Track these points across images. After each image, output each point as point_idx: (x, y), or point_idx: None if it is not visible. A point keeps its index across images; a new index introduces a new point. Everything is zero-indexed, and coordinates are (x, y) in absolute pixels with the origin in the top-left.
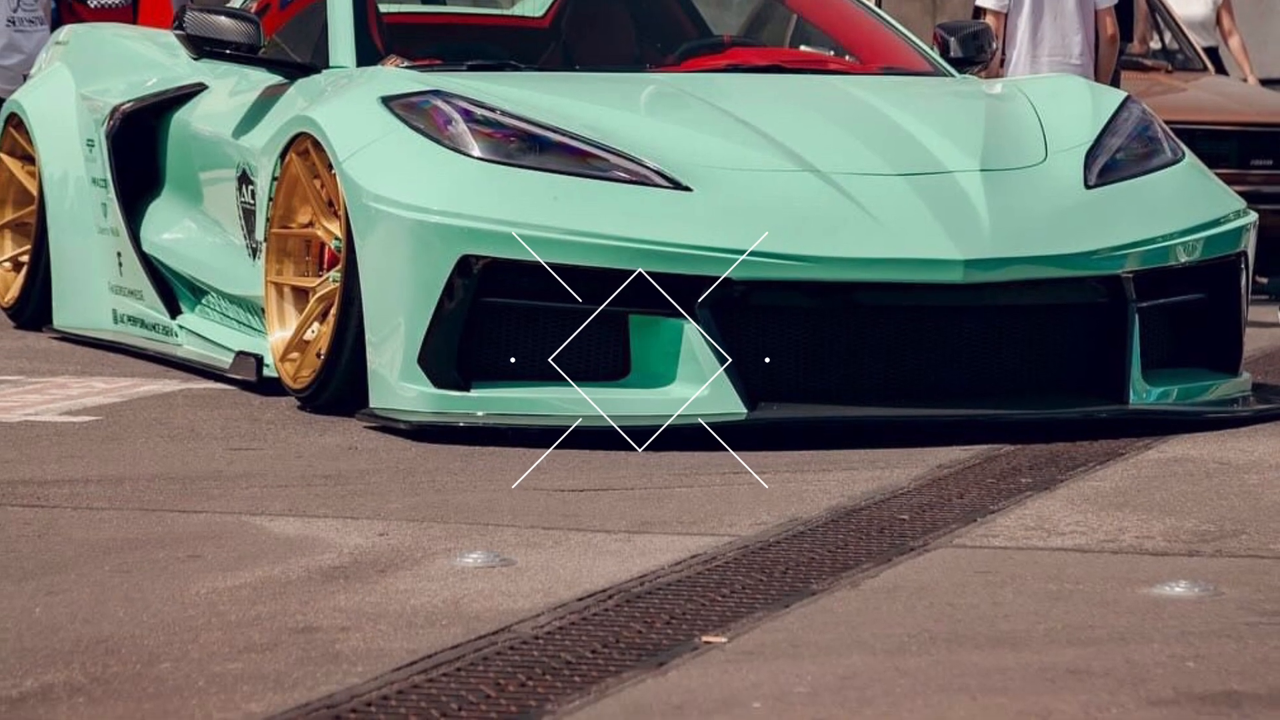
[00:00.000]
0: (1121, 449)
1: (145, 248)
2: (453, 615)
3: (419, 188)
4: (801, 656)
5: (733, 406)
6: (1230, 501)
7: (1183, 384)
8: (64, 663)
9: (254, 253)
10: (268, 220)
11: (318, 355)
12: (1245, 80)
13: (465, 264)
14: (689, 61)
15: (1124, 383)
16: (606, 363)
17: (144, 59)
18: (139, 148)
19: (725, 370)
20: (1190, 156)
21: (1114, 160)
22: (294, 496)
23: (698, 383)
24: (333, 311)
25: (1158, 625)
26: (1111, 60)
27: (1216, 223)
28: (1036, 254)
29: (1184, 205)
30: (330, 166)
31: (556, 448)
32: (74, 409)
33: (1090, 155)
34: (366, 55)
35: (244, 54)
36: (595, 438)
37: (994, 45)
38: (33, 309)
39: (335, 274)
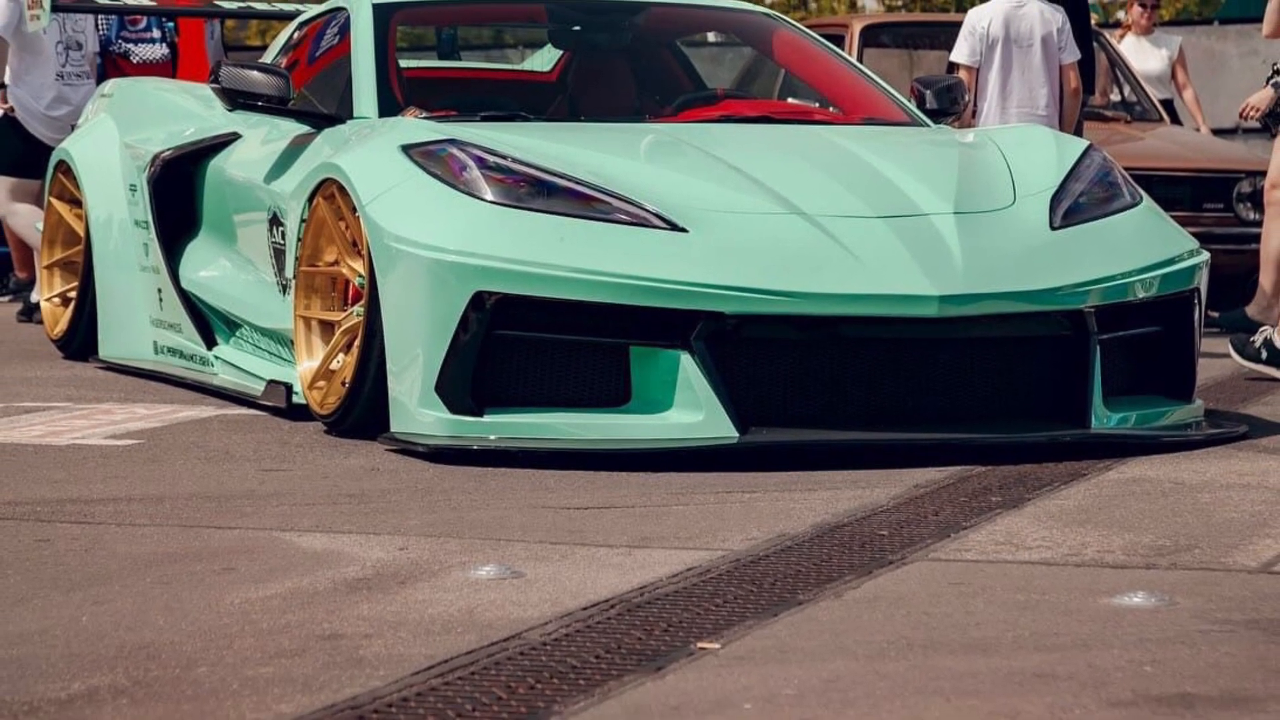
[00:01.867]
0: (1084, 470)
1: (183, 284)
2: (467, 623)
3: (436, 229)
4: (789, 661)
5: (725, 431)
6: (1184, 518)
7: (1141, 410)
8: (109, 667)
9: (284, 289)
10: (296, 259)
11: (343, 384)
12: (1199, 130)
13: (479, 299)
14: (685, 113)
15: (1086, 408)
16: (609, 391)
17: (182, 110)
18: (177, 192)
19: (719, 397)
20: (1147, 200)
21: (1077, 204)
22: (320, 514)
23: (693, 409)
24: (357, 343)
25: (1117, 633)
26: (1075, 111)
27: (1172, 261)
28: (1005, 290)
29: (1142, 245)
30: (354, 209)
31: (563, 469)
32: (118, 433)
33: (1055, 199)
34: (387, 107)
35: (275, 106)
36: (599, 459)
37: (966, 97)
38: (79, 341)
39: (359, 308)
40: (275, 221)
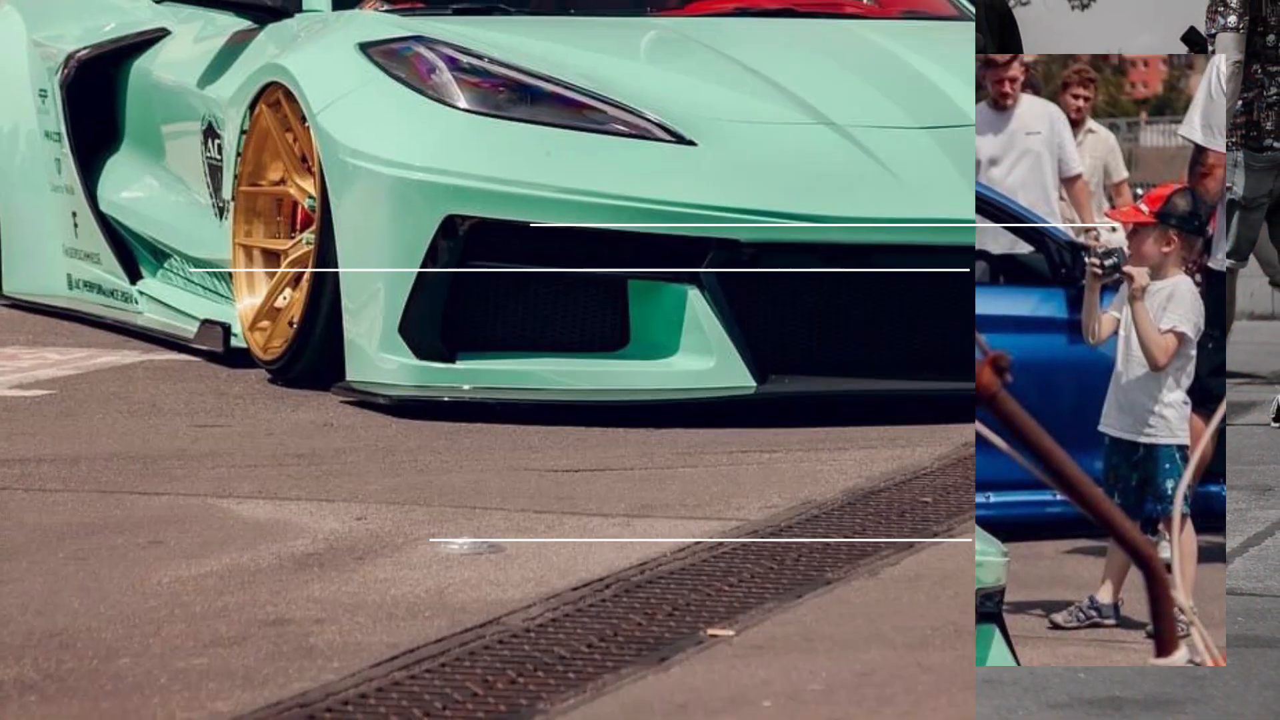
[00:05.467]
0: None
1: (103, 207)
2: (436, 606)
3: (400, 142)
4: (815, 651)
5: (741, 380)
6: None
7: None
8: (14, 658)
9: (220, 212)
10: (235, 177)
11: (290, 324)
12: None
13: (450, 225)
14: (694, 4)
15: None
16: (603, 332)
17: (101, 2)
18: (96, 99)
19: (732, 340)
20: None
21: None
22: (264, 477)
23: (703, 354)
24: (306, 276)
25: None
26: None
27: None
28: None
29: None
30: (303, 119)
31: (549, 424)
32: (25, 382)
33: None
34: None
35: None
36: (591, 412)
37: None
38: None
39: (309, 235)
40: (210, 133)
